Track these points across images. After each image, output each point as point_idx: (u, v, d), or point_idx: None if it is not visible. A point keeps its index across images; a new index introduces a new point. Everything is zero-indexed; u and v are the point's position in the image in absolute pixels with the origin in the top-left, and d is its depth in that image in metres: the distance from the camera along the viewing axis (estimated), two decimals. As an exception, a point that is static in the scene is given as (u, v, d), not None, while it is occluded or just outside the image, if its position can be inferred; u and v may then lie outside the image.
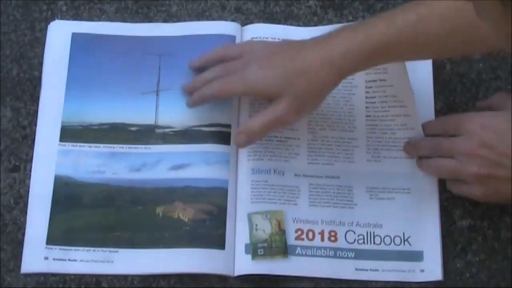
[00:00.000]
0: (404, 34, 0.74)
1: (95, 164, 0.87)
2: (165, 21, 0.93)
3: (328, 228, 0.84)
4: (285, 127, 0.85)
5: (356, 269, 0.83)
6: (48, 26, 0.92)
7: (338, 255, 0.83)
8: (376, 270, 0.83)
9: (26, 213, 0.85)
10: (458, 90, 0.89)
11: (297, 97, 0.78)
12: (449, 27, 0.73)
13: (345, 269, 0.83)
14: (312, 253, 0.83)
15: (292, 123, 0.84)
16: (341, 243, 0.83)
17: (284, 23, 0.93)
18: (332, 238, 0.83)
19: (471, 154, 0.77)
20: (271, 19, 0.93)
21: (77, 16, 0.93)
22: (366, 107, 0.88)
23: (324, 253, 0.83)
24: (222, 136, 0.87)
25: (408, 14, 0.75)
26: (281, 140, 0.87)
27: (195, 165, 0.86)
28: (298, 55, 0.79)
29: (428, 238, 0.84)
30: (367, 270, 0.83)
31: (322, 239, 0.83)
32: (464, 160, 0.78)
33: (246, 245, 0.83)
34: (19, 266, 0.83)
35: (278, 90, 0.78)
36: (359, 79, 0.88)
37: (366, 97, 0.88)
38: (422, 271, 0.82)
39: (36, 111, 0.89)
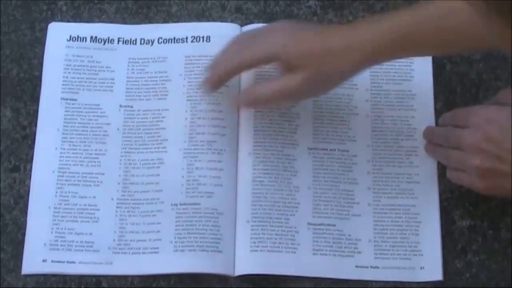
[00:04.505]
0: (427, 26, 0.75)
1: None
2: (165, 21, 0.93)
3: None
4: (291, 102, 0.83)
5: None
6: (48, 27, 0.92)
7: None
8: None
9: (26, 213, 0.85)
10: (458, 90, 0.90)
11: (316, 74, 0.77)
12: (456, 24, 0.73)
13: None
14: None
15: (299, 100, 0.83)
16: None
17: (284, 23, 0.93)
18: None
19: (475, 147, 0.77)
20: (271, 19, 0.93)
21: (77, 17, 0.93)
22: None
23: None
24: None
25: (430, 8, 0.75)
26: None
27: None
28: (325, 34, 0.78)
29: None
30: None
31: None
32: (468, 152, 0.78)
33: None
34: (19, 266, 0.83)
35: (298, 62, 0.77)
36: None
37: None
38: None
39: (36, 111, 0.89)
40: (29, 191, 0.86)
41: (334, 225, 0.84)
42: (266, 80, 0.85)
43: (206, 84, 0.85)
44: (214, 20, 0.93)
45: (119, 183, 0.86)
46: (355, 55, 0.76)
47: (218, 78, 0.83)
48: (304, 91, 0.80)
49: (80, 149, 0.87)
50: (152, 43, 0.92)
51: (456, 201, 0.85)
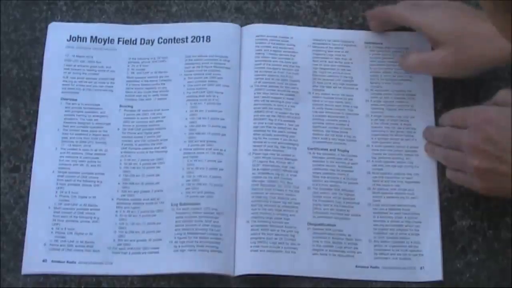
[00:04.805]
0: None
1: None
2: (165, 21, 0.93)
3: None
4: (435, 75, 0.88)
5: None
6: (48, 27, 0.92)
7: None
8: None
9: (26, 213, 0.85)
10: (458, 90, 0.90)
11: (461, 54, 0.80)
12: None
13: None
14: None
15: (442, 75, 0.86)
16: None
17: (284, 23, 0.92)
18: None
19: (474, 148, 0.78)
20: (271, 19, 0.93)
21: (77, 17, 0.93)
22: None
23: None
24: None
25: None
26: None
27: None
28: (476, 19, 0.81)
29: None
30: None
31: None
32: (467, 153, 0.79)
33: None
34: (19, 266, 0.83)
35: (441, 39, 0.82)
36: None
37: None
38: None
39: (36, 111, 0.89)
40: (29, 191, 0.86)
41: (334, 225, 0.84)
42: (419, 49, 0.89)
43: (371, 11, 0.91)
44: (214, 20, 0.93)
45: (119, 183, 0.86)
46: (504, 43, 0.77)
47: (378, 12, 0.90)
48: (445, 69, 0.83)
49: (80, 149, 0.87)
50: (152, 43, 0.92)
51: (456, 201, 0.85)
